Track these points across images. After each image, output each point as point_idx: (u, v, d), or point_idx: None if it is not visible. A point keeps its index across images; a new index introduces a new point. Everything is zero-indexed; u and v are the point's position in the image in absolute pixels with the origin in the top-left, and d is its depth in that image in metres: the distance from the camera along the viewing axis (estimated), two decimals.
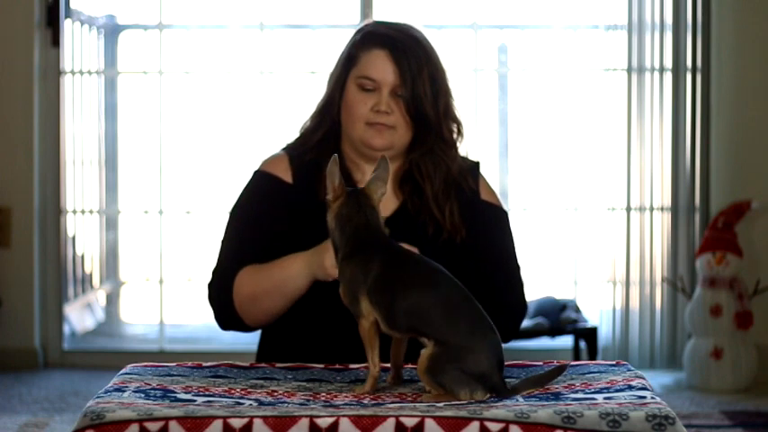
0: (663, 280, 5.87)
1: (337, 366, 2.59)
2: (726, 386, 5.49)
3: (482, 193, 2.97)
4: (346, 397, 2.33)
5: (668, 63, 5.85)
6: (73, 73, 6.15)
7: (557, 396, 2.30)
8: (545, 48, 6.36)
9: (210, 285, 2.90)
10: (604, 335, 5.89)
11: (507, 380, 2.34)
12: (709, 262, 5.55)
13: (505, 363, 2.36)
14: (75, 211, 6.27)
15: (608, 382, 2.39)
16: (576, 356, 5.59)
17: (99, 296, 6.97)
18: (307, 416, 2.11)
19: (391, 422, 2.09)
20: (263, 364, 2.62)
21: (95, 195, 6.50)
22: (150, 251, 6.46)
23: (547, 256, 6.69)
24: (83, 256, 6.51)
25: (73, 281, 6.33)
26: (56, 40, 5.97)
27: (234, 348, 6.05)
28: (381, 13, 5.97)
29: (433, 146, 2.92)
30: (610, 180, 5.93)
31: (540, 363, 2.60)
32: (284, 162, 2.94)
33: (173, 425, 2.10)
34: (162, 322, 6.22)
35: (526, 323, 5.41)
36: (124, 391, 2.32)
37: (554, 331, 5.48)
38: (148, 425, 2.10)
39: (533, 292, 5.85)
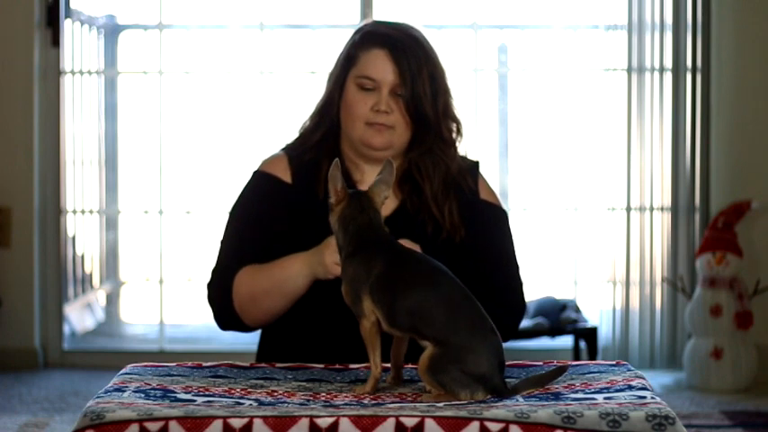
0: (663, 280, 5.87)
1: (337, 366, 2.59)
2: (726, 386, 5.49)
3: (481, 192, 2.97)
4: (346, 397, 2.33)
5: (668, 63, 5.85)
6: (73, 73, 6.15)
7: (557, 396, 2.30)
8: (545, 48, 6.35)
9: (210, 285, 2.90)
10: (604, 335, 5.88)
11: (507, 380, 2.33)
12: (709, 262, 5.55)
13: (506, 363, 2.36)
14: (75, 211, 6.27)
15: (608, 382, 2.39)
16: (576, 356, 5.59)
17: (99, 296, 6.96)
18: (307, 416, 2.11)
19: (391, 422, 2.09)
20: (263, 364, 2.62)
21: (95, 195, 6.50)
22: (150, 251, 6.46)
23: (547, 256, 6.68)
24: (83, 256, 6.51)
25: (73, 281, 6.33)
26: (56, 40, 5.97)
27: (234, 348, 6.05)
28: (381, 13, 5.97)
29: (432, 145, 2.92)
30: (610, 180, 5.93)
31: (540, 363, 2.60)
32: (283, 162, 2.94)
33: (173, 425, 2.10)
34: (162, 322, 6.22)
35: (526, 323, 5.41)
36: (124, 391, 2.32)
37: (554, 331, 5.48)
38: (148, 425, 2.10)
39: (533, 292, 5.85)
